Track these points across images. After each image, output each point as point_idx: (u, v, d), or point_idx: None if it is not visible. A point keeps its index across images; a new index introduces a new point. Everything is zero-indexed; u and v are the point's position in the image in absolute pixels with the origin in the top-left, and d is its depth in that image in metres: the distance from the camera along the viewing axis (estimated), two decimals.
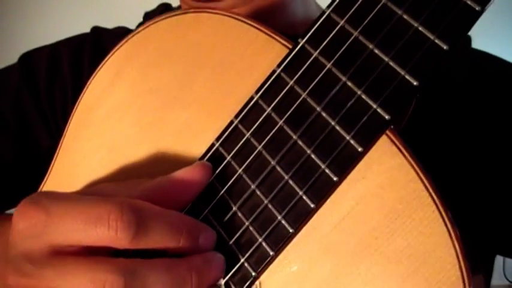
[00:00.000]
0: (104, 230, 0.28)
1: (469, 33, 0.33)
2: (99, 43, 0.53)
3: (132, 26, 0.54)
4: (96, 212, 0.28)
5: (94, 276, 0.27)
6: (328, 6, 0.33)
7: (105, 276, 0.27)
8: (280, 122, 0.33)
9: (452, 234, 0.28)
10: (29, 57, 0.54)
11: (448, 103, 0.45)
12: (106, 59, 0.41)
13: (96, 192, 0.34)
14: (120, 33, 0.54)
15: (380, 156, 0.31)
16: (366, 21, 0.31)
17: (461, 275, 0.28)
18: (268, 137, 0.33)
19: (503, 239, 0.45)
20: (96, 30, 0.56)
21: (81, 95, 0.42)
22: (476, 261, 0.40)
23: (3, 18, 1.53)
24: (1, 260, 0.32)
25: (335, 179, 0.31)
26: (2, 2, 1.49)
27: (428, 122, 0.41)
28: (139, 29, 0.40)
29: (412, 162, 0.30)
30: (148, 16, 0.57)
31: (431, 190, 0.29)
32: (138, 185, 0.33)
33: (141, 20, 0.57)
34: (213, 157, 0.34)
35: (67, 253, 0.29)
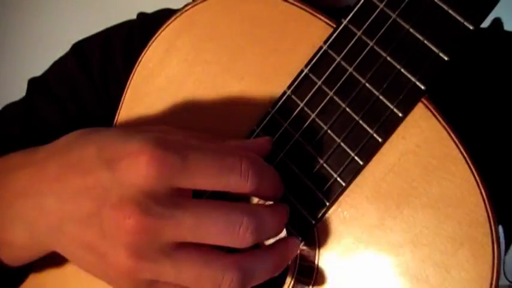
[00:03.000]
0: (236, 177, 0.33)
1: None
2: (146, 32, 0.55)
3: None
4: (230, 161, 0.33)
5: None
6: None
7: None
8: (331, 94, 0.38)
9: (480, 183, 0.35)
10: (82, 47, 0.56)
11: (478, 73, 0.49)
12: (156, 35, 0.46)
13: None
14: (164, 16, 0.57)
15: (416, 120, 0.37)
16: (403, 5, 0.37)
17: (487, 216, 0.35)
18: (319, 107, 0.38)
19: None
20: (141, 16, 0.58)
21: (134, 68, 0.47)
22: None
23: (4, 18, 1.51)
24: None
25: (380, 140, 0.37)
26: (2, 2, 1.47)
27: (459, 89, 0.46)
28: (188, 6, 0.45)
29: (444, 124, 0.36)
30: None
31: (460, 147, 0.36)
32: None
33: None
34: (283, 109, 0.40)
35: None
